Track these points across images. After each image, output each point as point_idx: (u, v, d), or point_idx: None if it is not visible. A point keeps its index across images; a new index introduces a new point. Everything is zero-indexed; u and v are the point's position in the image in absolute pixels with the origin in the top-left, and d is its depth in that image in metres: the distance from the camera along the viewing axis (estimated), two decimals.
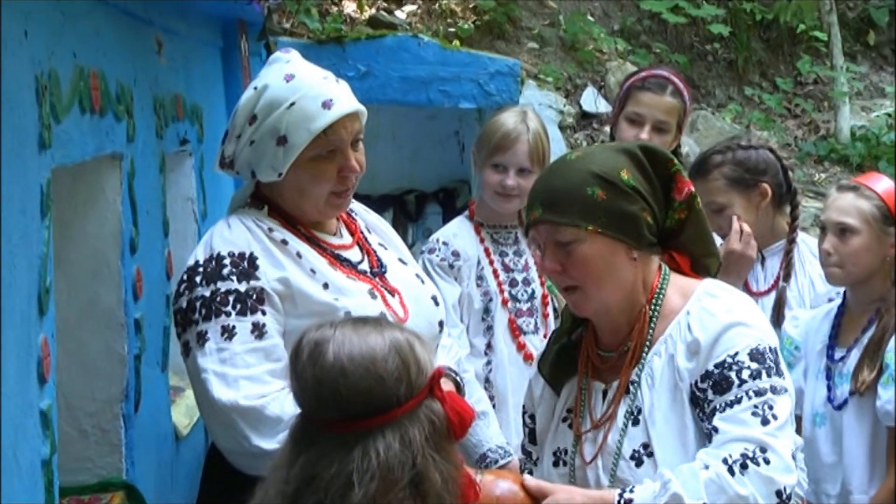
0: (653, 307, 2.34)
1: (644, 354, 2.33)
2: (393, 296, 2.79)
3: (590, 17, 7.88)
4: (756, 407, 2.19)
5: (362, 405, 1.86)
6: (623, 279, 2.31)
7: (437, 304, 2.91)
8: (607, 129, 7.06)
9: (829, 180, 7.37)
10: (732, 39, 8.36)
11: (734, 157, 3.62)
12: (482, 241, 3.72)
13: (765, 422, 2.18)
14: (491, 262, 3.69)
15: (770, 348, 2.27)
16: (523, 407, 2.62)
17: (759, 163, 3.62)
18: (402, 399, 1.86)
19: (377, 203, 6.71)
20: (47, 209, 2.17)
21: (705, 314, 2.29)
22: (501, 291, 3.66)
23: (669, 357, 2.30)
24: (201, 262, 2.67)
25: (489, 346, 3.64)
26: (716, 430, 2.21)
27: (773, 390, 2.22)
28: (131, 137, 2.95)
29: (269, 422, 2.52)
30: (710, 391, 2.23)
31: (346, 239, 2.88)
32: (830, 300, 3.57)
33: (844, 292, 3.49)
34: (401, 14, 7.13)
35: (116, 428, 2.87)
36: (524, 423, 2.60)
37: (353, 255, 2.84)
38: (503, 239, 3.75)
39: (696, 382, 2.26)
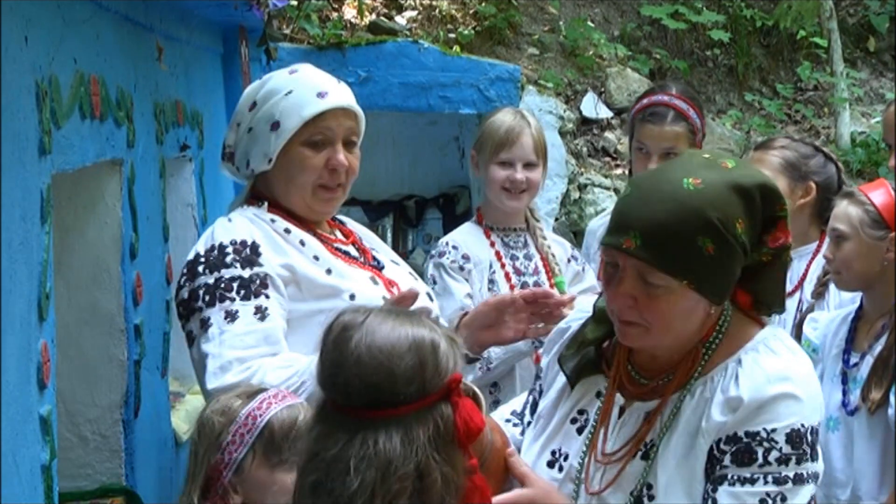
0: (705, 350, 2.17)
1: (682, 391, 2.15)
2: (392, 287, 2.84)
3: (590, 23, 7.88)
4: (768, 495, 2.04)
5: (368, 398, 1.87)
6: (690, 329, 2.14)
7: (430, 299, 2.96)
8: (607, 134, 7.10)
9: None
10: (733, 45, 8.35)
11: (800, 148, 3.69)
12: (493, 244, 3.69)
13: None
14: (503, 266, 3.67)
15: (812, 429, 2.08)
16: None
17: (821, 166, 3.67)
18: (411, 398, 1.86)
19: (377, 208, 6.72)
20: (47, 215, 2.17)
21: (758, 373, 2.10)
22: None
23: (703, 400, 2.13)
24: (202, 254, 2.70)
25: None
26: (715, 502, 2.06)
27: (797, 480, 2.05)
28: (131, 143, 2.96)
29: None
30: (728, 456, 2.07)
31: (343, 238, 2.95)
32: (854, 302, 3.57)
33: (861, 297, 3.48)
34: (401, 20, 7.13)
35: (116, 433, 2.88)
36: (531, 390, 2.44)
37: (351, 251, 2.90)
38: (513, 242, 3.73)
39: (721, 440, 2.08)
